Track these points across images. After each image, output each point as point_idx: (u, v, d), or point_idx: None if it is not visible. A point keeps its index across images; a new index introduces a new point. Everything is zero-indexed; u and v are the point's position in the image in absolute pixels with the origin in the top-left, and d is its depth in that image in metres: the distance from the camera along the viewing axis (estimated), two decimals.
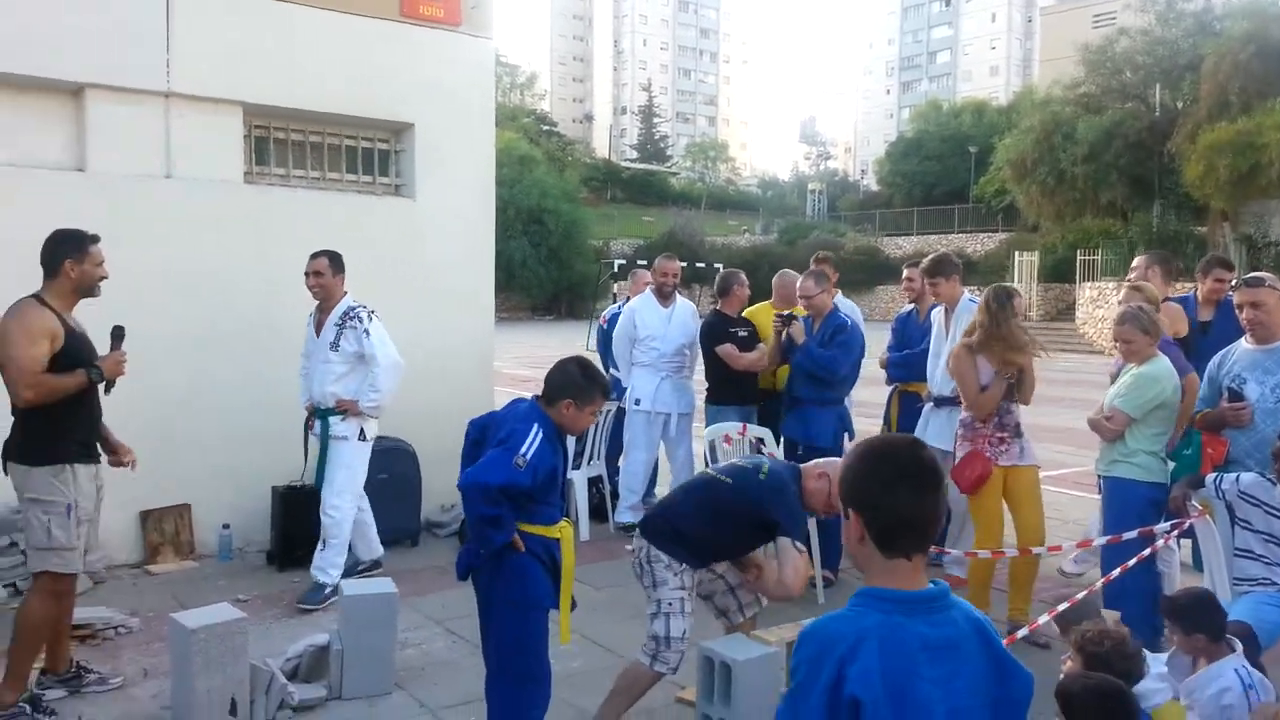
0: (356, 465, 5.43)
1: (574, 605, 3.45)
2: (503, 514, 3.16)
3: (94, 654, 4.42)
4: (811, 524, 5.49)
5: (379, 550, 5.77)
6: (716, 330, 6.53)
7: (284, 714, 3.87)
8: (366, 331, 5.37)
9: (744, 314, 6.64)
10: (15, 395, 3.79)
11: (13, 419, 3.88)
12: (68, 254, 3.94)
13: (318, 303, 5.52)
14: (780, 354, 5.98)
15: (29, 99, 5.60)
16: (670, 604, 3.60)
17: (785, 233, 50.50)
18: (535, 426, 3.22)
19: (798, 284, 5.97)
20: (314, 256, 5.46)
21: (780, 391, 6.22)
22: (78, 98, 5.70)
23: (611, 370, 7.19)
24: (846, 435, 5.89)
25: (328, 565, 5.29)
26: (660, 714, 4.00)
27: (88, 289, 4.03)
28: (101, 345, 4.09)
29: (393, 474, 6.31)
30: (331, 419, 5.39)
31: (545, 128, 66.39)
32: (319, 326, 5.50)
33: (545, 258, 42.33)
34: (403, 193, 7.00)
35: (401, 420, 6.57)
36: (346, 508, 5.36)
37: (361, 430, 5.44)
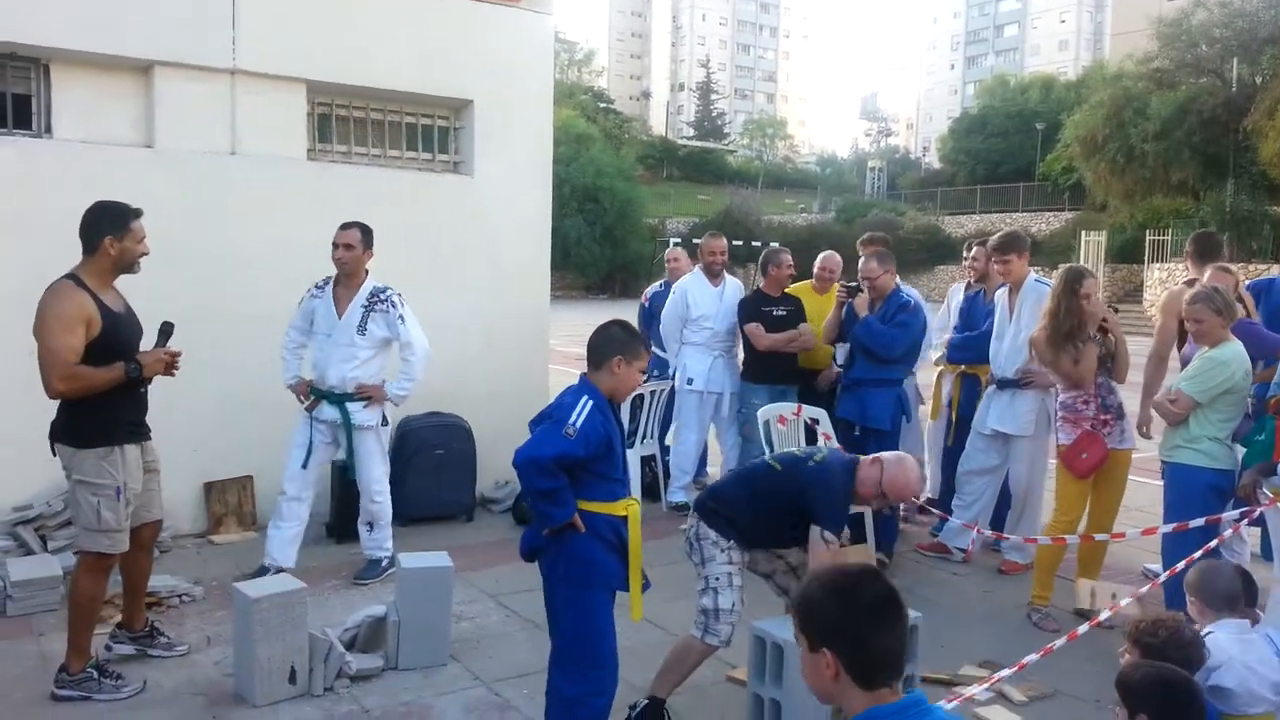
0: (385, 448, 5.36)
1: (647, 584, 3.37)
2: (560, 489, 3.11)
3: (160, 621, 4.53)
4: (866, 509, 5.45)
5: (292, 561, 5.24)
6: (749, 308, 6.53)
7: (342, 683, 3.95)
8: (401, 317, 5.15)
9: (788, 292, 6.60)
10: (48, 386, 3.69)
11: (59, 400, 3.83)
12: (108, 230, 3.81)
13: (334, 277, 5.21)
14: (839, 326, 5.90)
15: (100, 77, 5.73)
16: (718, 579, 3.62)
17: (843, 211, 49.91)
18: (584, 397, 3.19)
19: (860, 265, 5.90)
20: (345, 227, 5.15)
21: (819, 370, 6.22)
22: (147, 75, 5.81)
23: (655, 351, 7.15)
24: (905, 418, 5.82)
25: (381, 542, 5.31)
26: (710, 692, 4.00)
27: (127, 266, 3.90)
28: (148, 320, 4.02)
29: (449, 449, 6.39)
30: (351, 405, 5.14)
31: (602, 105, 66.20)
32: (340, 305, 5.16)
33: (600, 236, 42.32)
34: (461, 170, 7.03)
35: (457, 396, 6.66)
36: (387, 489, 5.34)
37: (383, 415, 5.29)
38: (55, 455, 3.89)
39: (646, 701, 3.62)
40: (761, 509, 3.63)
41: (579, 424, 3.11)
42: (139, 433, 3.98)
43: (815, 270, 6.75)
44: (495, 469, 6.72)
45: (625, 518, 3.27)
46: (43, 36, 5.43)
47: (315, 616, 4.18)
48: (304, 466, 5.20)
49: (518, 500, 6.57)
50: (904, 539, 6.09)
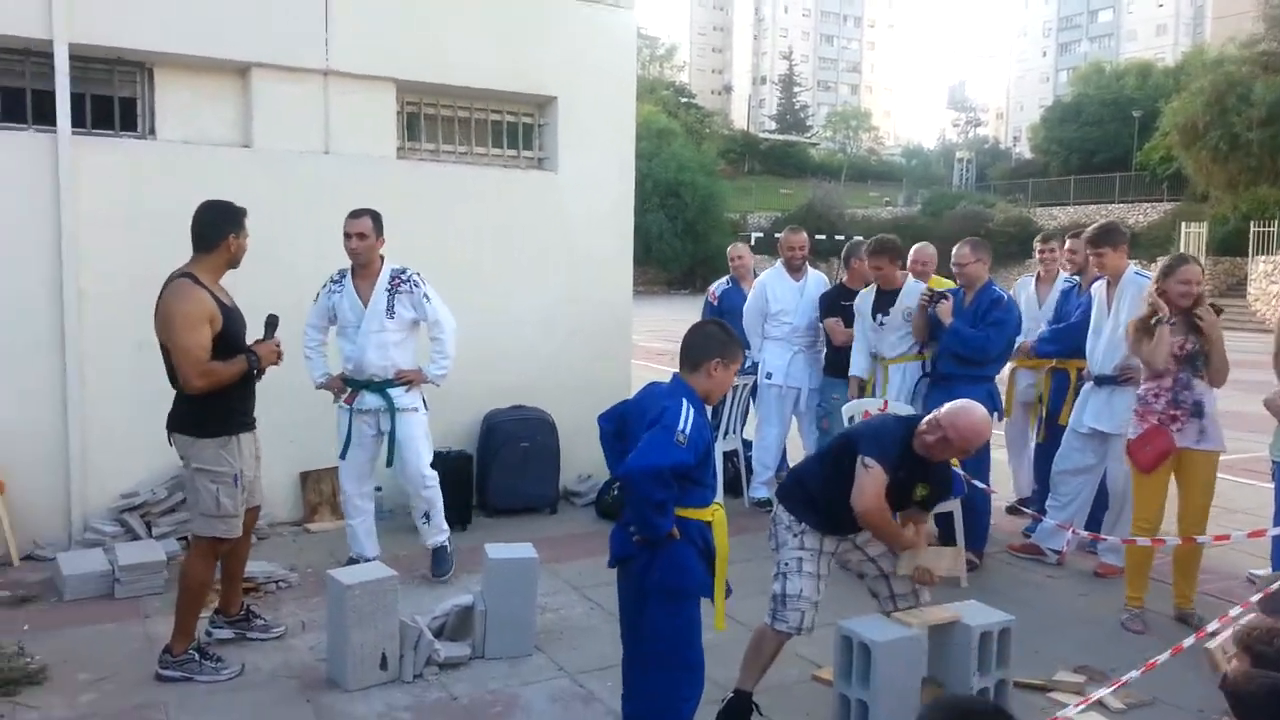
0: (428, 433, 5.27)
1: (729, 592, 3.30)
2: (671, 499, 3.00)
3: (257, 605, 4.68)
4: (956, 506, 5.34)
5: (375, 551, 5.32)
6: (829, 302, 6.45)
7: (431, 670, 4.03)
8: (426, 296, 5.08)
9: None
10: (187, 383, 3.86)
11: (176, 391, 4.00)
12: (233, 228, 4.01)
13: (350, 269, 5.13)
14: (927, 331, 5.79)
15: (200, 78, 5.93)
16: (787, 564, 3.62)
17: (929, 204, 48.97)
18: (684, 401, 3.06)
19: (953, 251, 5.77)
20: (356, 216, 5.02)
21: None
22: (244, 77, 6.00)
23: None
24: (996, 414, 5.67)
25: (439, 528, 5.27)
26: (795, 691, 3.97)
27: (238, 262, 4.08)
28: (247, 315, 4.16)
29: (533, 443, 6.46)
30: (392, 391, 5.09)
31: (684, 100, 66.17)
32: (363, 294, 5.07)
33: (682, 231, 42.32)
34: (545, 166, 7.09)
35: (541, 390, 6.73)
36: (435, 476, 5.26)
37: (423, 400, 5.24)
38: (171, 444, 4.06)
39: (733, 695, 3.61)
40: (833, 477, 3.59)
41: (688, 431, 2.98)
42: (249, 422, 4.15)
43: (909, 264, 6.61)
44: (578, 462, 6.78)
45: (710, 523, 3.20)
46: (147, 41, 5.64)
47: (405, 604, 4.26)
48: (343, 457, 5.20)
49: (600, 494, 6.61)
50: (995, 539, 5.94)
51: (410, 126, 6.72)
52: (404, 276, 5.10)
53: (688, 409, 3.04)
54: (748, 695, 3.62)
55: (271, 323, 4.18)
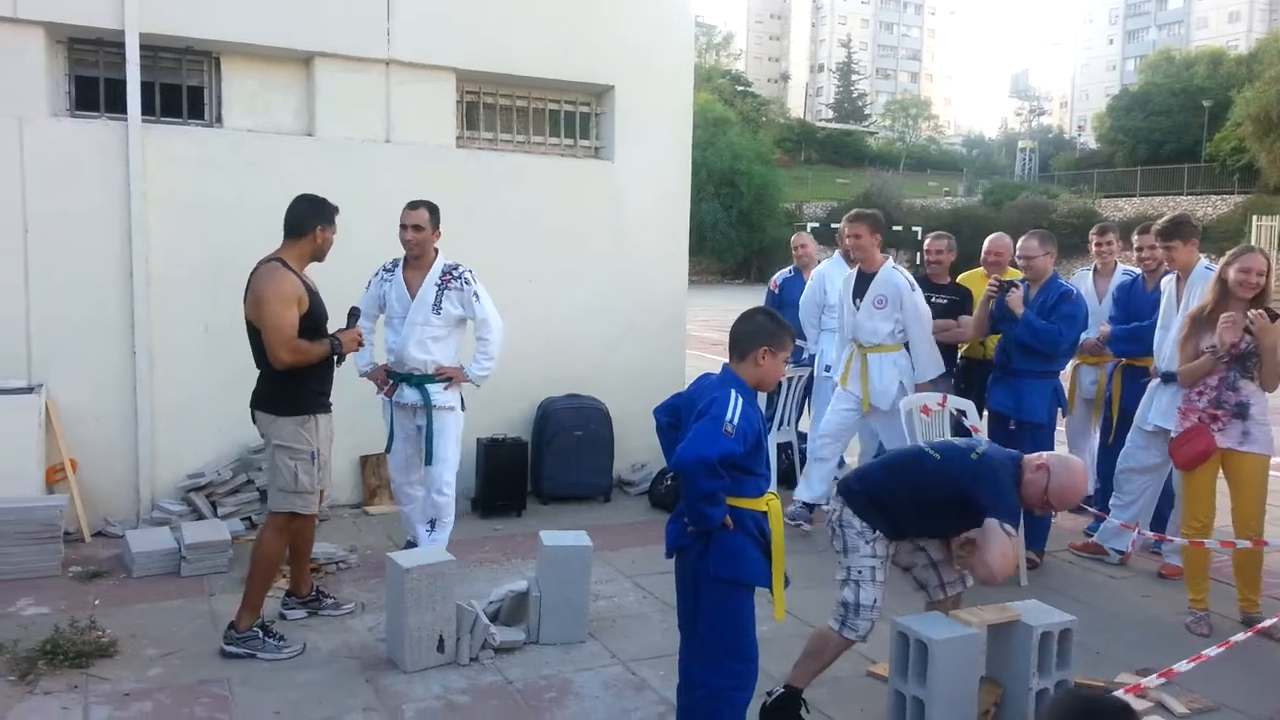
0: (460, 434, 5.15)
1: (786, 581, 3.26)
2: (722, 489, 3.00)
3: (319, 585, 4.77)
4: None
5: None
6: None
7: (486, 654, 4.07)
8: (476, 294, 4.98)
9: (958, 280, 6.38)
10: (276, 358, 4.02)
11: (260, 371, 4.17)
12: (322, 221, 4.22)
13: (403, 259, 5.06)
14: (988, 322, 5.68)
15: (266, 68, 6.03)
16: (860, 571, 3.55)
17: (990, 194, 48.09)
18: (732, 391, 3.07)
19: (1019, 244, 5.66)
20: (413, 207, 4.95)
21: (986, 360, 5.95)
22: (308, 66, 6.09)
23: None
24: (1060, 410, 5.56)
25: (440, 547, 4.96)
26: (850, 686, 3.94)
27: (322, 255, 4.29)
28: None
29: (587, 431, 6.49)
30: (431, 387, 4.98)
31: (740, 88, 65.74)
32: (412, 286, 4.99)
33: (736, 221, 42.06)
34: (602, 155, 7.10)
35: (596, 379, 6.76)
36: (454, 483, 5.14)
37: (461, 399, 5.14)
38: (254, 422, 4.23)
39: (783, 690, 3.59)
40: (919, 497, 3.52)
41: (736, 421, 2.98)
42: (326, 405, 4.30)
43: (983, 255, 6.48)
44: (631, 451, 6.80)
45: (766, 512, 3.18)
46: (215, 30, 5.75)
47: (461, 588, 4.31)
48: (388, 450, 5.21)
49: (653, 483, 6.62)
50: (1056, 538, 5.83)
51: (469, 115, 6.76)
52: (455, 273, 5.00)
53: (736, 399, 3.03)
54: (798, 693, 3.59)
55: (354, 314, 4.44)
